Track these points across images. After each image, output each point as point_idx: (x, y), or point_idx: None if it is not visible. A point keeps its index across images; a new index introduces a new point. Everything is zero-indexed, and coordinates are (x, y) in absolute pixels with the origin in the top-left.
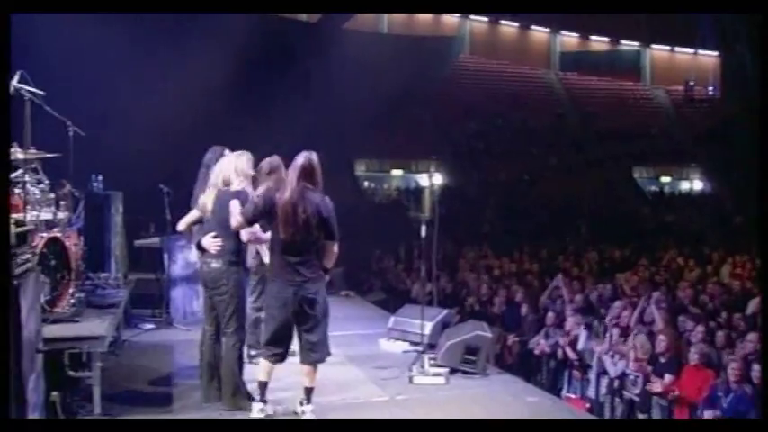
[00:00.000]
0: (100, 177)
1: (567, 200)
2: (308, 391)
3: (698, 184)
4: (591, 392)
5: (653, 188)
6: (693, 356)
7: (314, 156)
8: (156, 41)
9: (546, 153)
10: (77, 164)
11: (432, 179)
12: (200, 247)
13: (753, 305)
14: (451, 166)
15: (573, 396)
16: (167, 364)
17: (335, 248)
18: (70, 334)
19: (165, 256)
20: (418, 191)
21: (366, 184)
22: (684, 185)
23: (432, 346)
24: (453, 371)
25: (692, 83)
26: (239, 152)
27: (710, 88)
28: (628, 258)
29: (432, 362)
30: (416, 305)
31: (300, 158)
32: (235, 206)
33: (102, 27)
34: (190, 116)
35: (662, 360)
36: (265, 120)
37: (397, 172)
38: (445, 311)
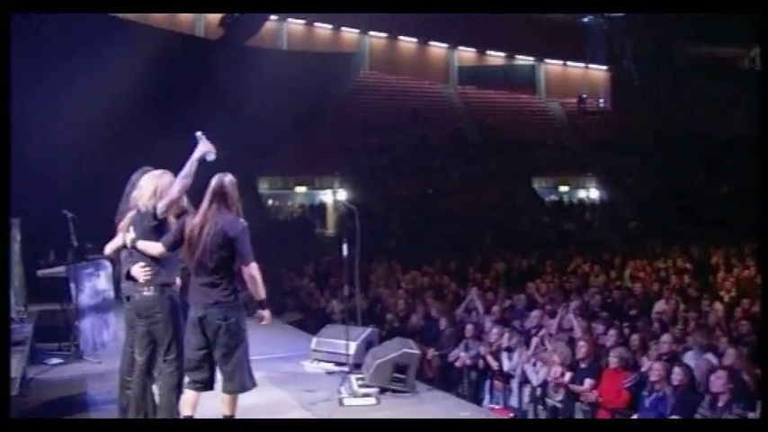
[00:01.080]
0: None
1: (470, 212)
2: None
3: (594, 193)
4: (514, 402)
5: (552, 197)
6: (612, 360)
7: (227, 178)
8: (56, 57)
9: (447, 166)
10: None
11: (335, 195)
12: (129, 277)
13: (658, 306)
14: (354, 182)
15: (496, 407)
16: (81, 400)
17: (253, 271)
18: None
19: (72, 285)
20: (322, 207)
21: (270, 201)
22: (582, 194)
23: (357, 366)
24: (383, 390)
25: (584, 95)
26: (160, 171)
27: (602, 100)
28: (535, 267)
29: (360, 382)
30: (338, 325)
31: (213, 181)
32: (144, 243)
33: None
34: (92, 136)
35: (582, 366)
36: (167, 138)
37: (300, 189)
38: (368, 330)
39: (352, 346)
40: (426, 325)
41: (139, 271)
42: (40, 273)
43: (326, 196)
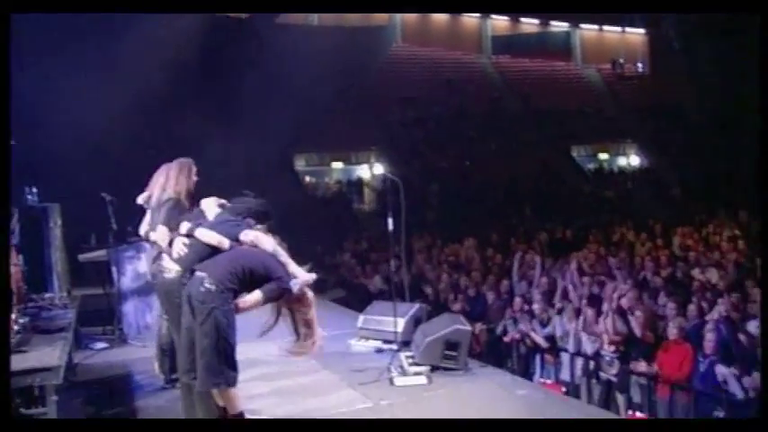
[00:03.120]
0: (34, 189)
1: (510, 182)
2: (222, 411)
3: (634, 159)
4: (566, 375)
5: (592, 166)
6: (672, 331)
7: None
8: (89, 43)
9: (485, 137)
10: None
11: (372, 170)
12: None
13: (710, 274)
14: (391, 156)
15: (548, 381)
16: (127, 385)
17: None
18: (18, 367)
19: (114, 268)
20: (359, 182)
21: (307, 178)
22: (622, 161)
23: (406, 344)
24: (434, 368)
25: (621, 60)
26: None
27: (639, 65)
28: (578, 236)
29: (410, 360)
30: (385, 302)
31: None
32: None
33: (33, 26)
34: (124, 120)
35: (638, 338)
36: (202, 120)
37: (337, 164)
38: (416, 306)
39: (401, 323)
40: (472, 299)
41: (180, 246)
42: (82, 257)
43: (363, 171)
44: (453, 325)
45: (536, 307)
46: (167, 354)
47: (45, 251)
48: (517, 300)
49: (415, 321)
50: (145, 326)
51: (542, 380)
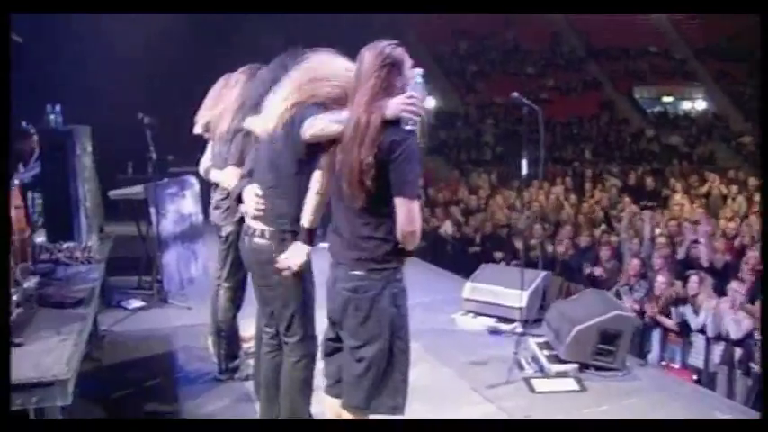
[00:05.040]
0: (58, 107)
1: (568, 122)
2: None
3: (701, 104)
4: (697, 361)
5: (656, 109)
6: None
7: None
8: None
9: (542, 73)
10: (27, 90)
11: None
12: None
13: None
14: (444, 88)
15: (673, 365)
16: (169, 370)
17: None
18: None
19: (152, 209)
20: None
21: None
22: (687, 105)
23: (529, 322)
24: (582, 366)
25: None
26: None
27: None
28: (655, 186)
29: (545, 352)
30: (500, 266)
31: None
32: None
33: None
34: (170, 33)
35: None
36: (245, 45)
37: None
38: (542, 274)
39: (524, 297)
40: (578, 254)
41: (252, 200)
42: (112, 194)
43: None
44: (612, 310)
45: (661, 279)
46: (225, 337)
47: (70, 183)
48: (634, 262)
49: (543, 294)
50: (189, 279)
51: (664, 363)
